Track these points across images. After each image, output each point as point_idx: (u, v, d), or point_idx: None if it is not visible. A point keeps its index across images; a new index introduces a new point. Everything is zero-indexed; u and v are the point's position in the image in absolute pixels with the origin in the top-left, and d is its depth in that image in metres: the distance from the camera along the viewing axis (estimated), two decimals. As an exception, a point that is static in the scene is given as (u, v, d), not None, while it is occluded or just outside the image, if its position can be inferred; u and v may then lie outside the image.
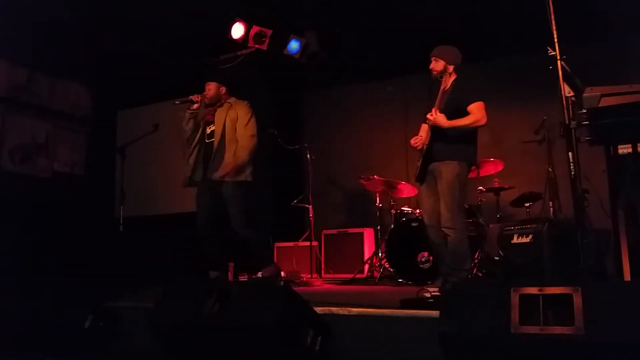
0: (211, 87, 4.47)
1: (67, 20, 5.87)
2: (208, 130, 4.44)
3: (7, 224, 5.27)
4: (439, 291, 3.36)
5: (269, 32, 5.77)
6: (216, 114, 4.43)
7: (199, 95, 4.43)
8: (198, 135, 4.45)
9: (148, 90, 6.96)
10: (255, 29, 5.71)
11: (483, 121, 3.64)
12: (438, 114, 3.63)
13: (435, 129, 3.69)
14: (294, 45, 5.91)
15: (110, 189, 6.55)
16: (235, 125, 4.35)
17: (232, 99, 4.51)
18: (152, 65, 6.44)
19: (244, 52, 6.40)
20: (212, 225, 4.32)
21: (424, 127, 3.93)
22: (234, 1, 5.67)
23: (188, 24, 5.79)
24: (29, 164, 6.26)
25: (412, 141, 3.91)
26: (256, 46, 5.83)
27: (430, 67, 3.84)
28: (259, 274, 4.41)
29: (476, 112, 3.62)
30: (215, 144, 4.33)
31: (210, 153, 4.35)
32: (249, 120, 4.37)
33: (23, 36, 5.91)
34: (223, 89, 4.50)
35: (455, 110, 3.65)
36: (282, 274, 4.78)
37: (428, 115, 3.69)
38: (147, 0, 5.45)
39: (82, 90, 6.97)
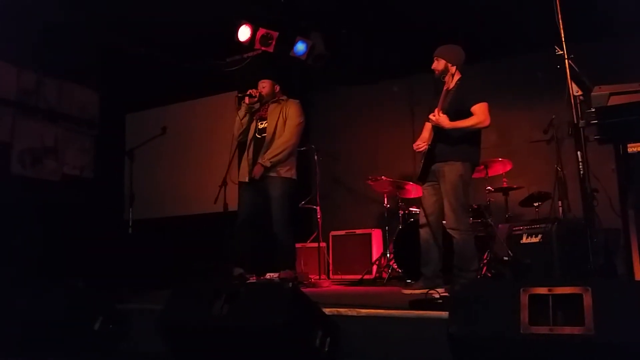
0: (266, 85, 4.55)
1: (75, 24, 5.91)
2: (260, 126, 4.52)
3: (18, 227, 5.31)
4: (447, 292, 3.35)
5: (276, 34, 5.78)
6: (269, 111, 4.52)
7: (257, 91, 4.50)
8: (250, 131, 4.53)
9: (155, 93, 7.00)
10: (261, 31, 5.72)
11: (486, 122, 3.59)
12: (441, 114, 3.60)
13: (438, 129, 3.66)
14: (300, 47, 5.91)
15: (119, 191, 6.59)
16: (285, 123, 4.43)
17: (284, 97, 4.59)
18: (159, 68, 6.47)
19: (250, 54, 6.43)
20: (249, 223, 4.38)
21: (427, 126, 3.91)
22: (240, 3, 5.69)
23: (195, 27, 5.81)
24: (39, 167, 6.31)
25: (415, 146, 3.89)
26: (263, 48, 5.84)
27: (432, 66, 3.82)
28: (267, 276, 4.41)
29: (479, 113, 3.57)
30: (267, 139, 4.40)
31: (259, 149, 4.42)
32: (299, 119, 4.46)
33: (31, 40, 5.95)
34: (277, 87, 4.61)
35: (459, 110, 3.62)
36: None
37: (430, 116, 3.67)
38: (154, 3, 5.48)
39: (90, 94, 7.01)
